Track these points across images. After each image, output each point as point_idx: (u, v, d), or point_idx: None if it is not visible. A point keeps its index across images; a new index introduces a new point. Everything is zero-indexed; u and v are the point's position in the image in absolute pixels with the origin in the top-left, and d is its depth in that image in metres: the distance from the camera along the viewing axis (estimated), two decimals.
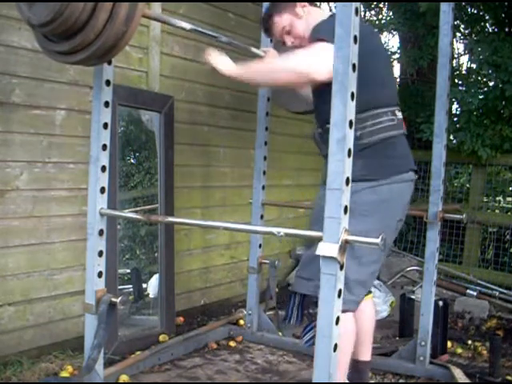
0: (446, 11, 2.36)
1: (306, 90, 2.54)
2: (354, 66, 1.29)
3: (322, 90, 1.84)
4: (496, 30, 4.54)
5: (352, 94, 1.30)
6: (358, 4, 1.28)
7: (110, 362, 2.36)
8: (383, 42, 2.09)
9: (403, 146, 1.95)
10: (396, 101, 1.95)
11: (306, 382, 2.35)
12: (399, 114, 1.93)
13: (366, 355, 2.12)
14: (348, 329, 1.84)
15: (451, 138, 4.06)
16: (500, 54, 3.82)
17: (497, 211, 4.47)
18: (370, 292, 2.14)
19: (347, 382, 2.08)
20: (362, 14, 6.25)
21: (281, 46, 2.66)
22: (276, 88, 1.84)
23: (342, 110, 1.29)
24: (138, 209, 2.96)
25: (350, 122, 1.31)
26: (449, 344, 2.76)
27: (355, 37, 1.28)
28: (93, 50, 1.55)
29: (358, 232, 1.49)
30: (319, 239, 1.35)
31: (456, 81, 4.65)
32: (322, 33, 1.75)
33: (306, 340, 1.95)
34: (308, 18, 2.03)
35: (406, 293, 3.08)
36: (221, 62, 1.90)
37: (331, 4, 7.14)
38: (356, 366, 2.11)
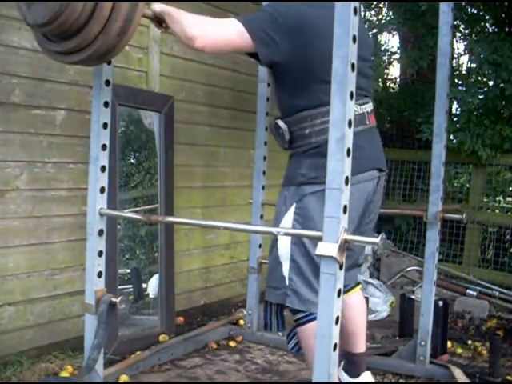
0: (445, 11, 2.36)
1: None
2: (352, 65, 1.29)
3: (277, 81, 1.82)
4: (496, 29, 4.54)
5: (351, 94, 1.30)
6: (356, 4, 1.28)
7: (110, 362, 2.36)
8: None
9: (361, 143, 1.69)
10: (359, 93, 1.67)
11: (306, 382, 2.35)
12: (360, 108, 1.79)
13: (360, 347, 2.09)
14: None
15: (451, 137, 4.05)
16: (500, 54, 3.82)
17: (497, 211, 4.47)
18: (358, 283, 2.14)
19: (347, 382, 2.08)
20: (362, 14, 6.25)
21: None
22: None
23: (341, 109, 1.30)
24: (138, 209, 2.96)
25: (349, 122, 1.31)
26: (449, 344, 2.75)
27: (354, 36, 1.28)
28: (92, 50, 1.56)
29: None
30: (319, 239, 1.35)
31: (456, 81, 4.65)
32: (249, 15, 1.73)
33: (292, 346, 1.95)
34: None
35: (405, 293, 3.07)
36: (159, 5, 1.78)
37: None
38: (351, 358, 2.11)
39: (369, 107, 1.86)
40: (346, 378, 2.13)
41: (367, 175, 1.83)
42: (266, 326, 1.99)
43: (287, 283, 1.79)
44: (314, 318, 1.69)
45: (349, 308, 2.01)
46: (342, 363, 2.16)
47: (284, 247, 1.79)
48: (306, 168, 1.77)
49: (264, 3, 1.93)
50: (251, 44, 1.70)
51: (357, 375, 2.11)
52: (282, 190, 1.88)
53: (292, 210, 1.78)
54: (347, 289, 2.05)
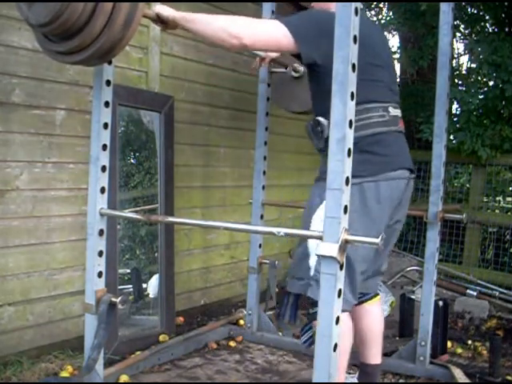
0: (445, 11, 2.36)
1: (306, 89, 2.54)
2: (353, 65, 1.29)
3: (315, 83, 1.86)
4: (496, 29, 4.54)
5: (352, 94, 1.30)
6: (358, 4, 1.28)
7: (110, 362, 2.36)
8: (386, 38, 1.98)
9: (394, 142, 1.88)
10: (391, 97, 1.89)
11: (306, 382, 2.35)
12: (394, 111, 1.87)
13: (375, 358, 2.09)
14: (342, 329, 1.82)
15: (451, 138, 4.05)
16: (500, 54, 3.82)
17: (497, 211, 4.47)
18: (376, 294, 2.13)
19: (347, 382, 2.08)
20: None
21: None
22: (212, 44, 1.79)
23: (342, 109, 1.30)
24: (138, 209, 2.96)
25: (350, 122, 1.31)
26: (449, 344, 2.76)
27: (355, 37, 1.28)
28: (93, 50, 1.56)
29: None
30: (320, 239, 1.35)
31: (456, 81, 4.65)
32: (288, 18, 1.77)
33: (304, 340, 1.95)
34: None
35: (405, 293, 3.07)
36: (164, 9, 1.81)
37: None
38: (365, 369, 2.10)
39: (399, 113, 1.93)
40: None
41: (399, 173, 1.87)
42: (278, 316, 1.98)
43: (312, 274, 1.79)
44: None
45: (369, 315, 2.02)
46: (357, 373, 2.17)
47: (315, 240, 1.77)
48: None
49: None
50: (294, 45, 1.74)
51: None
52: (316, 184, 1.90)
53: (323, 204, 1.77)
54: (368, 297, 2.07)
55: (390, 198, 1.85)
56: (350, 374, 2.29)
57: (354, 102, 1.32)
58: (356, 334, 1.99)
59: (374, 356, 2.09)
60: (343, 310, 1.79)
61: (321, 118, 1.83)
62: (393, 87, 1.93)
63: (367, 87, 1.75)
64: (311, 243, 1.82)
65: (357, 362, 2.22)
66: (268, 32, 1.75)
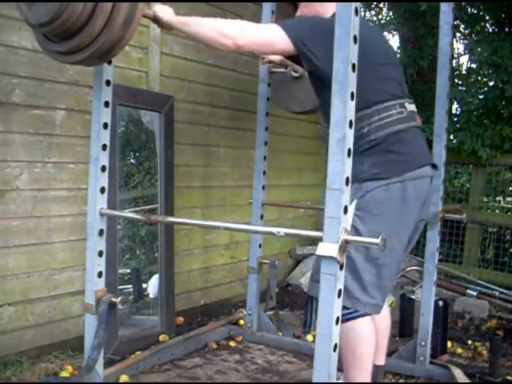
0: (446, 11, 2.36)
1: (306, 89, 2.56)
2: (353, 66, 1.29)
3: (321, 93, 1.84)
4: (496, 29, 4.54)
5: (352, 94, 1.30)
6: (358, 4, 1.28)
7: (110, 362, 2.36)
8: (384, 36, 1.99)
9: (415, 139, 1.84)
10: (405, 93, 1.87)
11: (306, 382, 2.34)
12: (410, 106, 1.85)
13: (380, 359, 2.08)
14: (366, 333, 1.80)
15: (451, 137, 4.06)
16: (500, 54, 3.82)
17: (497, 211, 4.47)
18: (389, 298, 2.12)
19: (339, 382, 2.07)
20: (362, 14, 6.25)
21: None
22: (207, 45, 1.82)
23: (342, 109, 1.30)
24: (138, 209, 2.96)
25: (350, 122, 1.31)
26: (449, 344, 2.75)
27: (355, 37, 1.28)
28: (92, 50, 1.56)
29: (374, 232, 1.47)
30: (319, 239, 1.35)
31: (456, 81, 4.66)
32: (287, 21, 1.76)
33: None
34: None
35: (406, 293, 3.07)
36: (162, 10, 1.82)
37: None
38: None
39: (415, 108, 1.90)
40: None
41: (424, 170, 1.82)
42: (305, 324, 1.95)
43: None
44: (358, 316, 1.74)
45: (381, 319, 1.99)
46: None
47: None
48: (368, 165, 1.75)
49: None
50: (292, 48, 1.73)
51: None
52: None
53: (352, 206, 1.71)
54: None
55: (417, 197, 1.81)
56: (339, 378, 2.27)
57: (354, 102, 1.32)
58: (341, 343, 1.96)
59: (380, 358, 2.08)
60: (368, 314, 1.78)
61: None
62: (403, 83, 1.91)
63: (381, 86, 1.77)
64: None
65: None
66: (263, 33, 1.75)
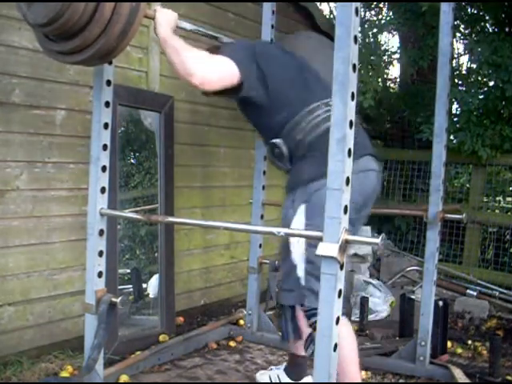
0: (446, 11, 2.36)
1: None
2: (354, 66, 1.29)
3: (255, 111, 1.93)
4: (496, 30, 4.53)
5: (352, 94, 1.30)
6: (358, 4, 1.28)
7: (110, 362, 2.36)
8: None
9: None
10: (327, 92, 1.84)
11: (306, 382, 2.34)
12: None
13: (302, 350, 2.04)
14: (346, 329, 1.81)
15: (451, 138, 4.05)
16: (500, 54, 3.82)
17: (497, 211, 4.47)
18: None
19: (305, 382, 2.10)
20: (362, 14, 6.24)
21: (283, 45, 2.66)
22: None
23: (342, 109, 1.30)
24: (138, 209, 2.96)
25: (350, 122, 1.31)
26: (449, 344, 2.75)
27: (355, 37, 1.28)
28: (94, 50, 1.56)
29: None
30: (320, 239, 1.35)
31: (456, 81, 4.65)
32: (231, 49, 1.88)
33: (310, 353, 1.87)
34: None
35: (406, 293, 3.07)
36: (164, 21, 1.84)
37: (331, 4, 7.15)
38: (296, 360, 2.14)
39: None
40: (285, 379, 2.16)
41: (365, 161, 1.85)
42: (283, 337, 1.98)
43: (303, 283, 1.79)
44: None
45: None
46: (284, 365, 2.20)
47: (298, 249, 1.80)
48: (308, 167, 1.82)
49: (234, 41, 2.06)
50: (239, 83, 1.84)
51: (299, 378, 2.13)
52: (287, 196, 1.91)
53: (302, 209, 1.80)
54: None
55: (359, 189, 1.79)
56: (271, 368, 2.31)
57: (354, 103, 1.32)
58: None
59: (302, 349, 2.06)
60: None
61: (275, 140, 1.89)
62: (320, 85, 1.95)
63: (302, 95, 1.86)
64: (295, 254, 1.83)
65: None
66: (220, 73, 1.81)
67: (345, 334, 1.75)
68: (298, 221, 1.79)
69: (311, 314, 1.77)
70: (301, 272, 1.80)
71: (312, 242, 1.71)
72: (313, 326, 1.79)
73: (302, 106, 1.84)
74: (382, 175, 1.95)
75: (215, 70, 1.79)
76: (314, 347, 1.83)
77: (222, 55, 1.83)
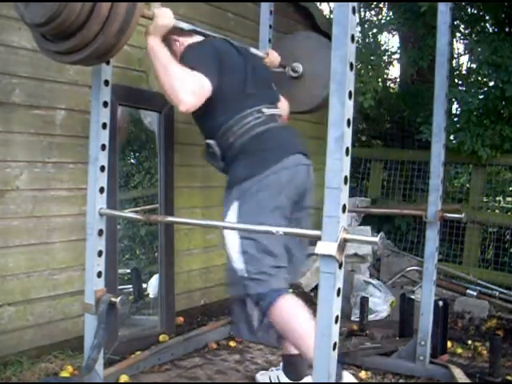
0: (443, 11, 2.36)
1: (304, 89, 2.57)
2: (351, 65, 1.29)
3: (201, 112, 1.96)
4: (496, 30, 4.54)
5: (350, 93, 1.30)
6: (355, 3, 1.28)
7: (110, 362, 2.36)
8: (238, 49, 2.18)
9: (280, 136, 2.03)
10: (263, 99, 2.06)
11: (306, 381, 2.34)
12: (269, 111, 2.05)
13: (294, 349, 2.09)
14: (293, 309, 1.88)
15: (451, 138, 4.05)
16: (500, 54, 3.82)
17: (497, 211, 4.47)
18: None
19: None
20: (362, 14, 6.25)
21: (281, 47, 2.67)
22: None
23: (340, 108, 1.30)
24: (138, 209, 2.96)
25: (348, 121, 1.31)
26: (449, 344, 2.75)
27: (352, 36, 1.28)
28: (91, 50, 1.56)
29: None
30: (318, 238, 1.35)
31: (456, 81, 4.65)
32: (192, 58, 1.94)
33: (277, 339, 2.01)
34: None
35: (405, 293, 3.07)
36: (156, 29, 1.88)
37: (331, 4, 7.15)
38: (290, 359, 2.15)
39: (277, 111, 2.13)
40: (285, 380, 2.17)
41: (292, 159, 1.98)
42: (251, 331, 2.01)
43: (245, 275, 1.90)
44: (275, 299, 1.85)
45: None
46: (281, 365, 2.21)
47: (232, 243, 1.92)
48: (240, 168, 1.98)
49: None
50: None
51: (299, 378, 2.13)
52: (224, 196, 2.03)
53: (235, 208, 1.94)
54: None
55: (290, 185, 1.97)
56: (272, 370, 2.31)
57: (351, 101, 1.32)
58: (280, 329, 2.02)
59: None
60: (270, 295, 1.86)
61: (209, 141, 2.06)
62: (263, 91, 2.10)
63: (237, 101, 2.00)
64: (230, 247, 1.93)
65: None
66: (205, 96, 1.91)
67: (294, 305, 1.87)
68: (231, 218, 1.94)
69: (257, 300, 1.88)
70: (237, 264, 1.90)
71: (244, 234, 1.86)
72: (262, 310, 1.89)
73: (237, 111, 1.99)
74: (310, 168, 2.08)
75: (199, 97, 1.88)
76: (276, 331, 1.95)
77: (195, 70, 1.89)
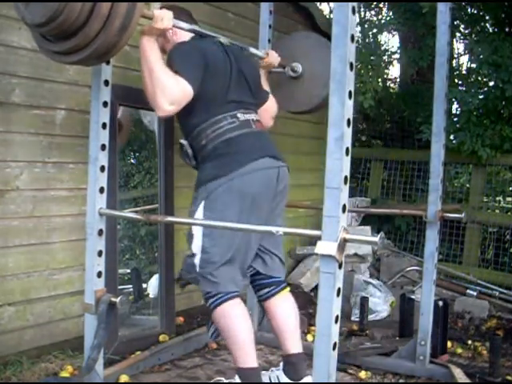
0: (443, 11, 2.36)
1: (304, 89, 2.57)
2: (351, 64, 1.29)
3: (183, 113, 2.01)
4: (496, 30, 4.54)
5: (350, 93, 1.30)
6: (355, 3, 1.28)
7: (110, 362, 2.36)
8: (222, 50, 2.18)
9: (250, 140, 2.07)
10: (241, 105, 2.11)
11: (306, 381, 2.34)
12: (243, 116, 2.09)
13: (296, 347, 2.17)
14: (236, 315, 2.01)
15: (451, 138, 4.06)
16: (500, 54, 3.82)
17: (497, 211, 4.47)
18: (286, 286, 2.27)
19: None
20: (362, 14, 6.25)
21: (281, 46, 2.67)
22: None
23: (340, 108, 1.30)
24: (138, 209, 2.96)
25: (348, 121, 1.31)
26: (449, 344, 2.75)
27: (352, 36, 1.28)
28: (91, 50, 1.56)
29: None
30: (318, 237, 1.35)
31: (456, 81, 4.65)
32: (178, 61, 1.96)
33: (211, 333, 2.15)
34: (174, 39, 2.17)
35: (405, 293, 3.07)
36: (152, 30, 1.91)
37: (331, 4, 7.15)
38: (289, 359, 2.17)
39: (254, 117, 2.15)
40: (286, 380, 2.19)
41: (261, 162, 2.04)
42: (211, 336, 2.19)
43: (197, 270, 2.04)
44: (225, 300, 2.00)
45: (276, 310, 2.20)
46: (281, 365, 2.23)
47: (197, 239, 2.05)
48: (209, 169, 2.05)
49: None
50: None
51: (299, 377, 2.14)
52: (193, 195, 2.11)
53: (201, 207, 2.03)
54: (277, 290, 2.23)
55: (264, 187, 2.05)
56: (272, 370, 2.34)
57: (351, 101, 1.32)
58: (272, 329, 2.24)
59: (294, 346, 2.17)
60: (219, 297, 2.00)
61: (182, 141, 2.13)
62: (242, 96, 2.13)
63: (215, 106, 2.04)
64: (194, 244, 2.05)
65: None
66: (184, 102, 1.95)
67: (236, 314, 2.00)
68: (198, 216, 2.03)
69: (207, 297, 2.03)
70: (197, 260, 2.04)
71: (206, 232, 2.00)
72: (210, 308, 2.03)
73: (212, 114, 2.04)
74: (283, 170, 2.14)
75: (178, 105, 1.93)
76: (215, 329, 2.10)
77: (179, 73, 1.92)
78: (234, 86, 2.11)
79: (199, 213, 2.04)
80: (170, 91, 1.89)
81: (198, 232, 2.04)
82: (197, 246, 2.04)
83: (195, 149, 2.10)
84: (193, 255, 2.07)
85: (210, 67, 2.02)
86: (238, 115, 2.08)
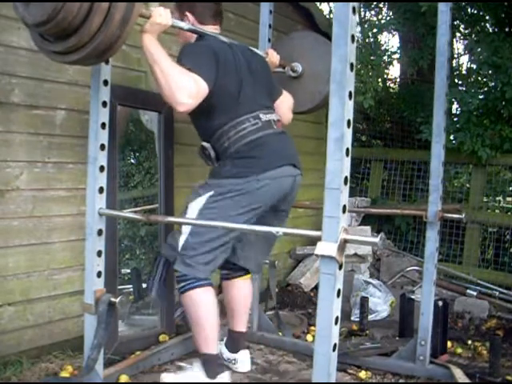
0: (443, 11, 2.35)
1: (304, 89, 2.57)
2: (351, 65, 1.29)
3: (198, 114, 2.03)
4: (496, 30, 4.54)
5: (350, 94, 1.30)
6: (355, 3, 1.28)
7: (110, 362, 2.36)
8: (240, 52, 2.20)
9: (273, 144, 2.09)
10: (262, 104, 2.12)
11: (306, 382, 2.35)
12: (266, 116, 2.10)
13: (240, 326, 2.41)
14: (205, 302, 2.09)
15: (451, 138, 4.06)
16: (500, 55, 3.82)
17: (497, 211, 4.47)
18: (248, 272, 2.39)
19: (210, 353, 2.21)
20: (362, 14, 6.24)
21: (280, 47, 2.67)
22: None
23: (340, 109, 1.29)
24: (138, 209, 2.96)
25: (348, 122, 1.31)
26: (449, 344, 2.75)
27: (353, 36, 1.28)
28: (89, 49, 1.56)
29: (222, 212, 1.95)
30: (318, 238, 1.35)
31: (456, 81, 4.65)
32: (189, 59, 1.96)
33: (177, 315, 2.30)
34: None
35: (405, 293, 3.07)
36: (152, 27, 1.89)
37: (331, 4, 7.15)
38: (232, 335, 2.43)
39: (274, 117, 2.17)
40: (225, 352, 2.44)
41: (282, 170, 2.09)
42: (146, 289, 2.31)
43: (179, 249, 2.07)
44: (196, 286, 2.05)
45: (236, 291, 2.37)
46: (225, 339, 2.44)
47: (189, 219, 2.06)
48: (229, 165, 2.06)
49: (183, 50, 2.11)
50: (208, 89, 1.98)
51: (235, 351, 2.42)
52: (206, 180, 2.14)
53: (207, 195, 2.04)
54: (242, 273, 2.37)
55: (274, 192, 2.08)
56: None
57: (352, 102, 1.32)
58: (226, 306, 2.41)
59: (239, 325, 2.41)
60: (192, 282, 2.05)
61: (204, 143, 2.13)
62: (261, 95, 2.16)
63: (235, 106, 2.05)
64: (183, 227, 2.07)
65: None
66: (202, 96, 1.94)
67: (205, 301, 2.07)
68: (199, 202, 2.05)
69: (180, 279, 2.08)
70: (181, 240, 2.06)
71: (200, 216, 2.01)
72: (180, 291, 2.09)
73: (234, 116, 2.04)
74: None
75: (196, 98, 1.91)
76: (182, 311, 2.21)
77: (192, 71, 1.92)
78: (250, 85, 2.11)
79: (202, 199, 2.05)
80: (185, 84, 1.88)
81: (193, 212, 2.05)
82: (187, 226, 2.06)
83: (217, 151, 2.11)
84: (180, 233, 2.08)
85: (222, 64, 2.01)
86: (261, 116, 2.09)
